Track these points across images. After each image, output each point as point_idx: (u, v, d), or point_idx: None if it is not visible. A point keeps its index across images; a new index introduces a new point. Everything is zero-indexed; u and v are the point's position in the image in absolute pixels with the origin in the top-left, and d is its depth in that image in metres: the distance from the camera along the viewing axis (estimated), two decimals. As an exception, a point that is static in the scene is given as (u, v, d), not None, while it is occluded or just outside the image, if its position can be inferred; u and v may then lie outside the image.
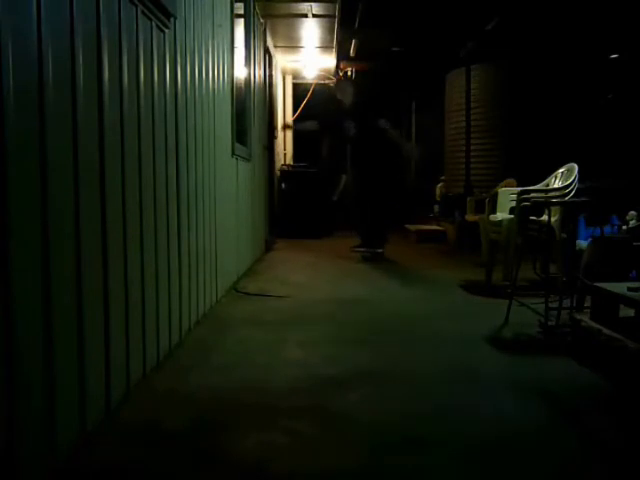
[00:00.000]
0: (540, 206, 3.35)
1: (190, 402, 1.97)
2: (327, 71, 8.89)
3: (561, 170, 3.79)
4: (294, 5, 5.88)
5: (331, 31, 6.77)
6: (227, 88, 3.92)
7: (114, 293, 1.83)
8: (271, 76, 6.90)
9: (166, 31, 2.40)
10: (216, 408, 1.92)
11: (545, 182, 3.95)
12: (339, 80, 6.22)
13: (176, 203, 2.60)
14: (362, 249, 5.68)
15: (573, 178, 3.49)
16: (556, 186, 3.66)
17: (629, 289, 2.43)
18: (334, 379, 2.21)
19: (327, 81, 9.29)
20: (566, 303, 2.79)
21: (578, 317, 2.67)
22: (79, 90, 1.58)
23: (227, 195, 3.91)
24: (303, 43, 7.32)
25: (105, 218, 1.77)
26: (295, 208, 7.51)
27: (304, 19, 6.26)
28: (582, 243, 3.69)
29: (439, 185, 9.53)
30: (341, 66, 9.38)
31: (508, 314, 3.06)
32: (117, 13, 1.87)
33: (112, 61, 1.83)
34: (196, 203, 2.99)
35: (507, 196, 4.18)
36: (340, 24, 6.63)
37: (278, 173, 7.63)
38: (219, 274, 3.57)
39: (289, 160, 8.63)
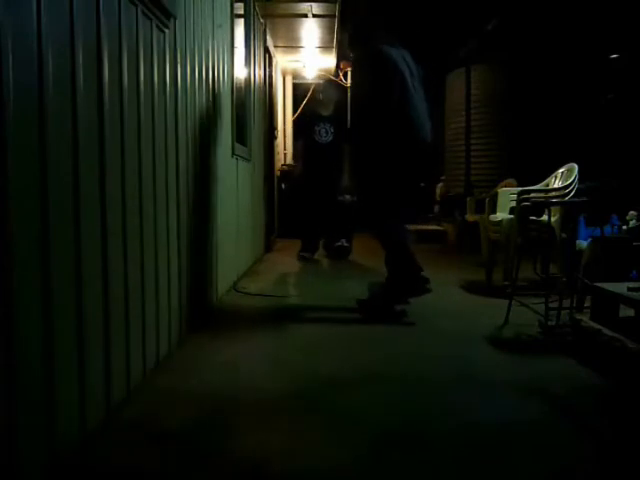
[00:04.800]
0: (540, 206, 3.35)
1: (190, 402, 1.97)
2: (327, 71, 8.89)
3: (561, 170, 3.79)
4: (294, 5, 5.88)
5: (331, 31, 6.76)
6: (227, 88, 3.92)
7: (114, 293, 1.83)
8: (271, 76, 6.89)
9: (166, 31, 2.40)
10: (216, 408, 1.92)
11: (545, 182, 3.95)
12: (329, 80, 6.00)
13: (176, 203, 2.60)
14: (305, 254, 5.69)
15: (573, 178, 3.49)
16: (556, 186, 3.66)
17: (629, 289, 2.43)
18: (334, 379, 2.21)
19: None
20: (566, 303, 2.79)
21: (578, 317, 2.67)
22: (79, 90, 1.58)
23: (227, 195, 3.91)
24: (303, 43, 7.32)
25: (105, 219, 1.76)
26: (295, 208, 7.50)
27: (304, 19, 6.25)
28: (582, 243, 3.69)
29: (439, 185, 9.53)
30: (341, 66, 9.37)
31: (508, 314, 3.05)
32: (117, 13, 1.87)
33: (112, 61, 1.83)
34: (196, 203, 2.99)
35: (507, 196, 4.17)
36: (340, 24, 6.62)
37: (278, 173, 7.62)
38: (219, 274, 3.57)
39: (289, 160, 8.63)
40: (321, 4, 5.84)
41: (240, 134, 4.48)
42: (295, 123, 8.83)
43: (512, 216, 3.83)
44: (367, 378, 2.23)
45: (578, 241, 3.74)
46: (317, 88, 5.92)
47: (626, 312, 2.52)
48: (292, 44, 7.34)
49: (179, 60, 2.61)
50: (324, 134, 5.59)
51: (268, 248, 6.26)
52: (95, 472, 1.52)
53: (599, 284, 2.62)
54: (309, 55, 7.91)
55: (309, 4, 5.81)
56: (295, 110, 9.04)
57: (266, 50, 6.32)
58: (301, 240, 5.80)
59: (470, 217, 6.06)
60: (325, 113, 5.67)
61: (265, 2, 5.63)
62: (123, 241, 1.93)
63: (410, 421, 1.84)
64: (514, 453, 1.64)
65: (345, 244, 5.79)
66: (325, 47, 7.53)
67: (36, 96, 1.37)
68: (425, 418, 1.88)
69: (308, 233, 5.76)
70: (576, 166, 3.59)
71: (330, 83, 5.96)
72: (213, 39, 3.40)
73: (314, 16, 6.15)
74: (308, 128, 5.66)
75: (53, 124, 1.43)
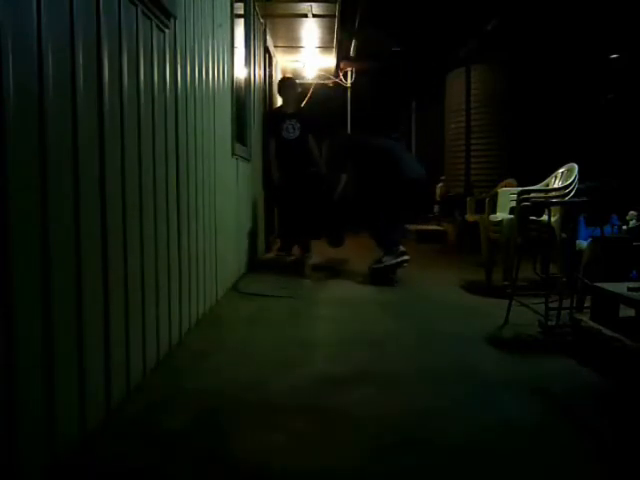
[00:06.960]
0: (540, 206, 3.35)
1: (190, 402, 1.97)
2: (327, 71, 8.90)
3: (561, 170, 3.79)
4: (294, 5, 5.87)
5: (331, 31, 6.76)
6: (227, 88, 3.92)
7: (114, 294, 1.83)
8: (271, 76, 6.89)
9: (166, 31, 2.40)
10: (216, 408, 1.92)
11: (545, 182, 3.94)
12: (284, 79, 6.02)
13: (176, 203, 2.60)
14: (282, 252, 5.82)
15: (573, 178, 3.49)
16: (556, 186, 3.66)
17: (629, 289, 2.43)
18: (334, 379, 2.21)
19: (327, 81, 9.29)
20: (566, 303, 2.79)
21: (578, 317, 2.67)
22: (79, 90, 1.58)
23: (227, 195, 3.91)
24: (303, 43, 7.32)
25: (105, 220, 1.76)
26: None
27: (304, 19, 6.25)
28: (582, 243, 3.69)
29: (439, 185, 9.54)
30: (341, 66, 9.38)
31: (508, 314, 3.05)
32: (117, 13, 1.88)
33: (112, 61, 1.83)
34: (196, 203, 2.99)
35: (507, 196, 4.17)
36: (340, 24, 6.62)
37: (278, 173, 7.61)
38: (219, 274, 3.57)
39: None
40: (321, 4, 5.84)
41: (240, 134, 4.48)
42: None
43: (512, 216, 3.83)
44: (367, 377, 2.23)
45: (578, 241, 3.74)
46: (278, 87, 5.96)
47: (626, 312, 2.52)
48: (292, 44, 7.34)
49: (179, 60, 2.61)
50: (291, 130, 5.67)
51: (268, 248, 6.26)
52: (95, 472, 1.52)
53: (599, 284, 2.62)
54: (309, 55, 7.91)
55: (309, 4, 5.81)
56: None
57: (266, 50, 6.31)
58: (280, 240, 5.97)
59: (470, 217, 6.06)
60: (289, 110, 5.71)
61: (265, 2, 5.63)
62: (123, 245, 1.93)
63: (410, 421, 1.84)
64: (514, 453, 1.64)
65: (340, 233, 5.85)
66: (325, 47, 7.53)
67: (36, 96, 1.37)
68: (425, 417, 1.88)
69: (284, 232, 5.91)
70: (576, 166, 3.59)
71: (285, 82, 5.97)
72: (213, 39, 3.40)
73: (314, 16, 6.15)
74: (276, 127, 5.72)
75: (53, 124, 1.43)
